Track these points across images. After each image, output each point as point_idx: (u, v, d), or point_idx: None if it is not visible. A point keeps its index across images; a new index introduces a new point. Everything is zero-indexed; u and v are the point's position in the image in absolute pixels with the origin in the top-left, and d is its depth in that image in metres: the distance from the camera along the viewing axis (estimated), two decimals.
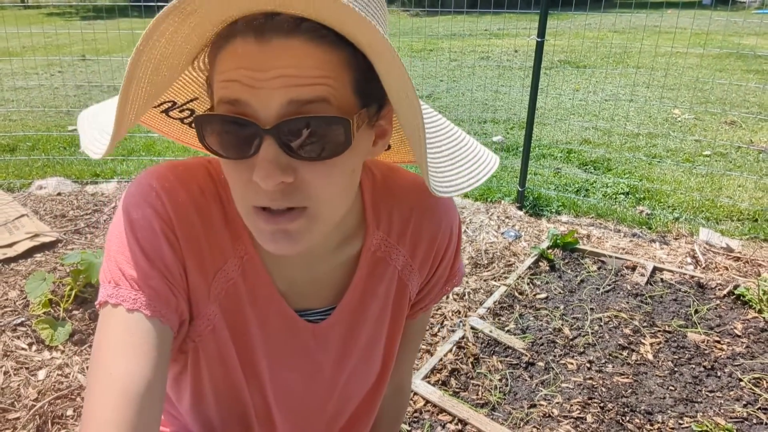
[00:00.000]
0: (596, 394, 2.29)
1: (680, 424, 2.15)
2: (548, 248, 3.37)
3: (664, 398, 2.27)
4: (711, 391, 2.31)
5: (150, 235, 0.74)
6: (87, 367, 2.34)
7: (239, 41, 0.62)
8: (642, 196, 4.33)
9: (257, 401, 0.90)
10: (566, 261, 3.29)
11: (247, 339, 0.85)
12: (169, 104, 0.83)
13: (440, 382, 2.35)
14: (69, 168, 4.55)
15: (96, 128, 0.77)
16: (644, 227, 3.82)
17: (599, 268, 3.22)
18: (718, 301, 2.90)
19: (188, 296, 0.79)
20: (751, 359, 2.48)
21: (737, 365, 2.45)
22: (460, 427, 2.13)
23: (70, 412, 2.14)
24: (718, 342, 2.60)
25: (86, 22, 10.72)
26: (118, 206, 0.77)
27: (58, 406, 2.16)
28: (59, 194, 4.03)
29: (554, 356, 2.51)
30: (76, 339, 2.48)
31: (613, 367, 2.44)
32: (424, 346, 2.55)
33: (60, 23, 11.37)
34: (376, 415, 1.12)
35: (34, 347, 2.44)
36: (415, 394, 2.26)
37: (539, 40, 3.70)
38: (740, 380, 2.36)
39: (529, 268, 3.20)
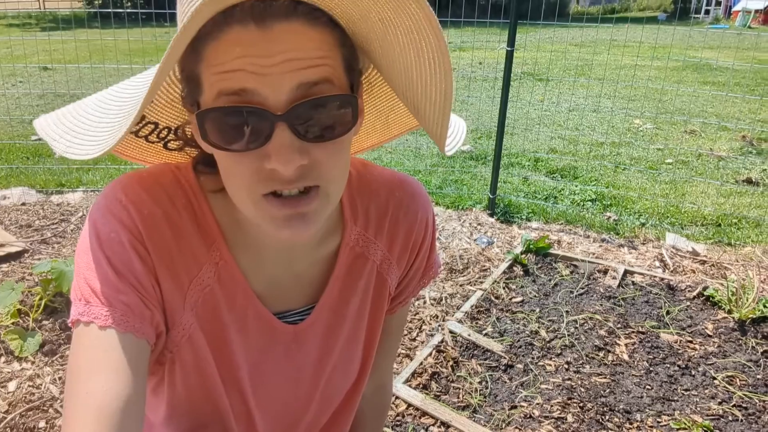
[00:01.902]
0: (575, 394, 2.32)
1: (658, 422, 2.19)
2: (522, 253, 3.41)
3: (642, 397, 2.31)
4: (686, 390, 2.35)
5: (118, 249, 0.72)
6: (59, 378, 2.28)
7: (238, 29, 0.61)
8: (609, 202, 4.42)
9: (237, 408, 0.88)
10: (540, 266, 3.33)
11: (226, 345, 0.83)
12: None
13: (421, 385, 2.35)
14: (33, 178, 4.44)
15: (77, 132, 0.75)
16: (612, 233, 3.89)
17: (572, 272, 3.26)
18: (688, 303, 2.97)
19: (163, 307, 0.77)
20: (723, 358, 2.54)
21: (710, 364, 2.50)
22: (443, 429, 2.13)
23: (42, 424, 2.08)
24: (691, 342, 2.65)
25: (45, 33, 10.51)
26: (85, 220, 0.74)
27: (29, 418, 2.09)
28: (24, 204, 3.93)
29: (532, 358, 2.53)
30: (47, 350, 2.41)
31: (591, 367, 2.47)
32: (403, 351, 2.55)
33: (19, 34, 11.13)
34: (360, 414, 1.11)
35: (2, 358, 2.36)
36: (397, 397, 2.25)
37: (509, 49, 3.76)
38: (714, 378, 2.41)
39: (504, 272, 3.22)
